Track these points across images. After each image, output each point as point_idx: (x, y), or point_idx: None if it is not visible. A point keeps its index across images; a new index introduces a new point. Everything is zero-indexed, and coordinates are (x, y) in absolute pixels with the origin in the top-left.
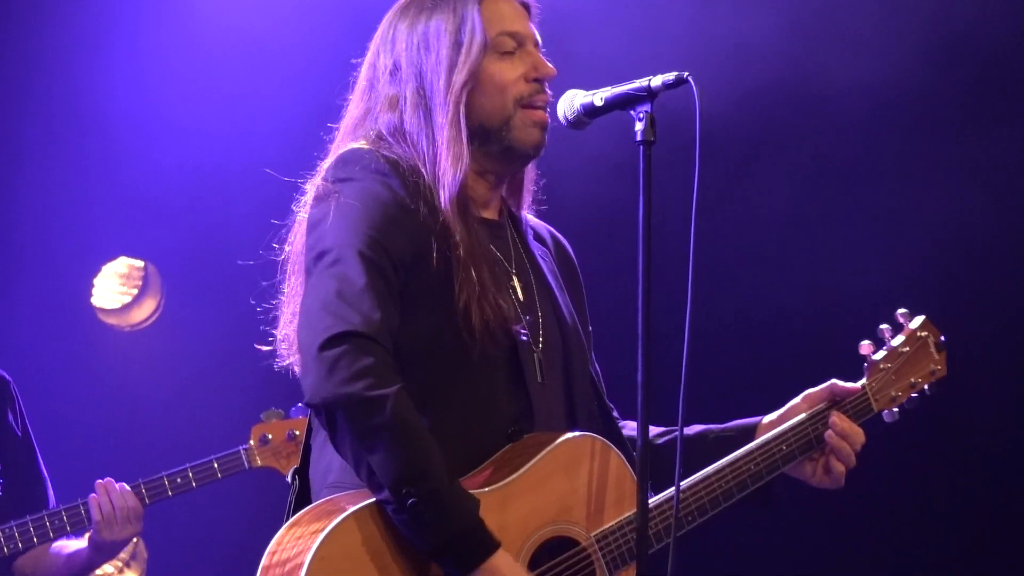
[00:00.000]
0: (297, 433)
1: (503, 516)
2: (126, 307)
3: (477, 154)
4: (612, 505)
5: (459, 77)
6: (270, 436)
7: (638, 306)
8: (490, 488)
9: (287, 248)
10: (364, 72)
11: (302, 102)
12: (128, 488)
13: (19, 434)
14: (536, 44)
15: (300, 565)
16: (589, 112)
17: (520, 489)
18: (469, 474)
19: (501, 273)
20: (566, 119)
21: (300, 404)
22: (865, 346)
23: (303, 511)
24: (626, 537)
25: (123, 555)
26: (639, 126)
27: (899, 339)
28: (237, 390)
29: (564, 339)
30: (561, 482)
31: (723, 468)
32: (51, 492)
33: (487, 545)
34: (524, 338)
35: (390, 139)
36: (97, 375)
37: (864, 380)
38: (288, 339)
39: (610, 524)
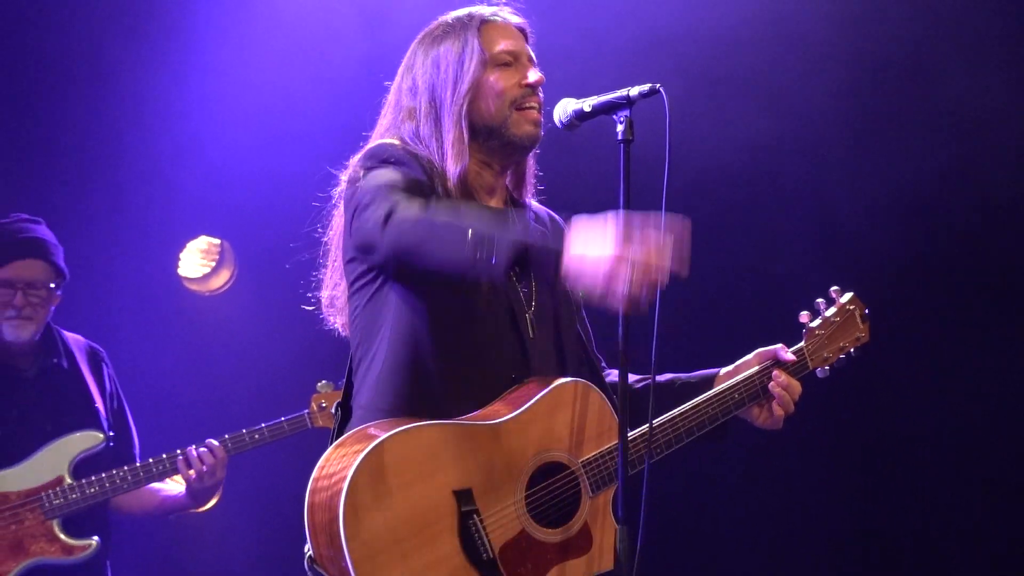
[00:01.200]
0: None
1: (508, 444)
2: (206, 276)
3: (482, 149)
4: (594, 438)
5: (462, 88)
6: (324, 403)
7: None
8: (496, 421)
9: (330, 231)
10: (392, 91)
11: (345, 110)
12: (216, 442)
13: (115, 394)
14: (530, 59)
15: (344, 477)
16: (580, 117)
17: (521, 423)
18: (480, 409)
19: None
20: (561, 123)
21: None
22: (804, 315)
23: (345, 435)
24: (606, 463)
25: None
26: (620, 128)
27: (831, 311)
28: (296, 348)
29: (554, 303)
30: (553, 418)
31: (687, 410)
32: (137, 445)
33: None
34: (516, 306)
35: (410, 143)
36: (182, 338)
37: (802, 343)
38: (331, 300)
39: (593, 453)
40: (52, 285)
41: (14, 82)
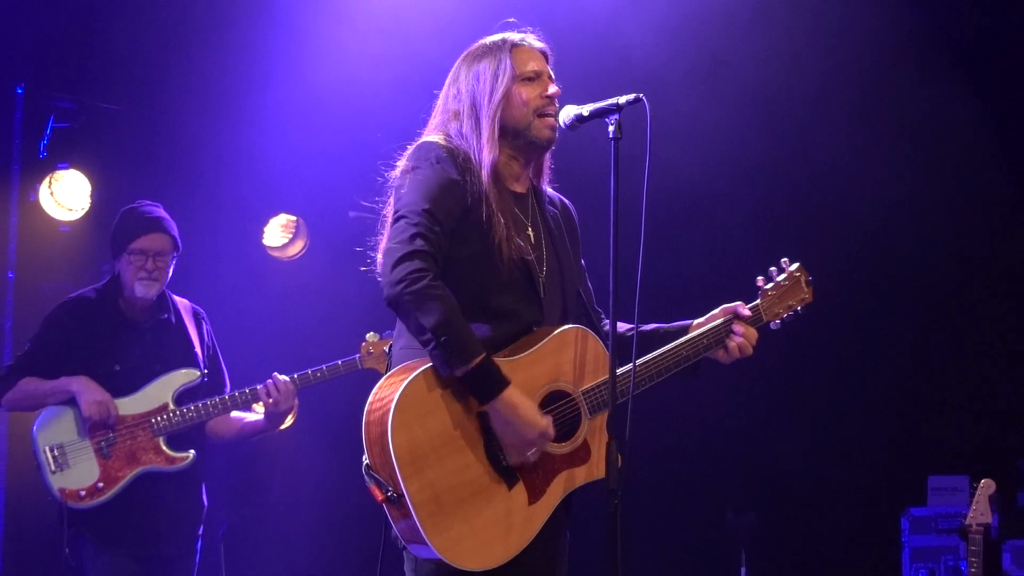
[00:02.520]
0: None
1: (523, 375)
2: (284, 246)
3: (511, 146)
4: (591, 372)
5: (496, 97)
6: (372, 350)
7: (610, 250)
8: (515, 357)
9: (387, 207)
10: (440, 97)
11: (394, 114)
12: (287, 378)
13: (211, 345)
14: (549, 76)
15: (392, 399)
16: (579, 120)
17: (531, 361)
18: (500, 353)
19: (519, 224)
20: (565, 124)
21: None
22: (760, 280)
23: (393, 370)
24: (601, 392)
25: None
26: (611, 128)
27: (782, 276)
28: (350, 304)
29: (560, 268)
30: (558, 356)
31: (666, 351)
32: (228, 383)
33: (499, 381)
34: (534, 269)
35: (454, 138)
36: (265, 295)
37: (758, 301)
38: (377, 262)
39: (590, 384)
40: (173, 254)
41: (134, 95)
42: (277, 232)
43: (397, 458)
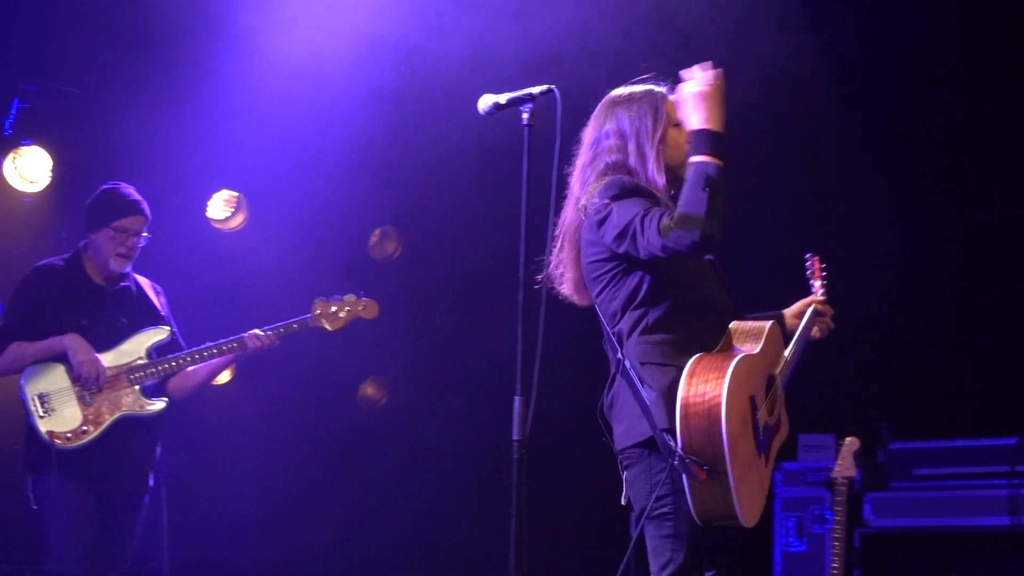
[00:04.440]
0: (334, 309)
1: (760, 367)
2: (227, 218)
3: (671, 181)
4: (780, 358)
5: (658, 135)
6: (319, 311)
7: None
8: (754, 352)
9: (561, 227)
10: (590, 136)
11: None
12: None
13: (168, 315)
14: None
15: (720, 397)
16: (497, 107)
17: (760, 353)
18: (719, 344)
19: None
20: (484, 112)
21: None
22: (810, 275)
23: (689, 369)
24: (783, 371)
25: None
26: (526, 116)
27: (818, 281)
28: (293, 270)
29: (720, 272)
30: (767, 349)
31: (799, 341)
32: (183, 343)
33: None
34: (718, 275)
35: (614, 169)
36: (211, 262)
37: (819, 292)
38: (561, 277)
39: (780, 367)
40: (147, 234)
41: (94, 79)
42: (220, 206)
43: (728, 440)
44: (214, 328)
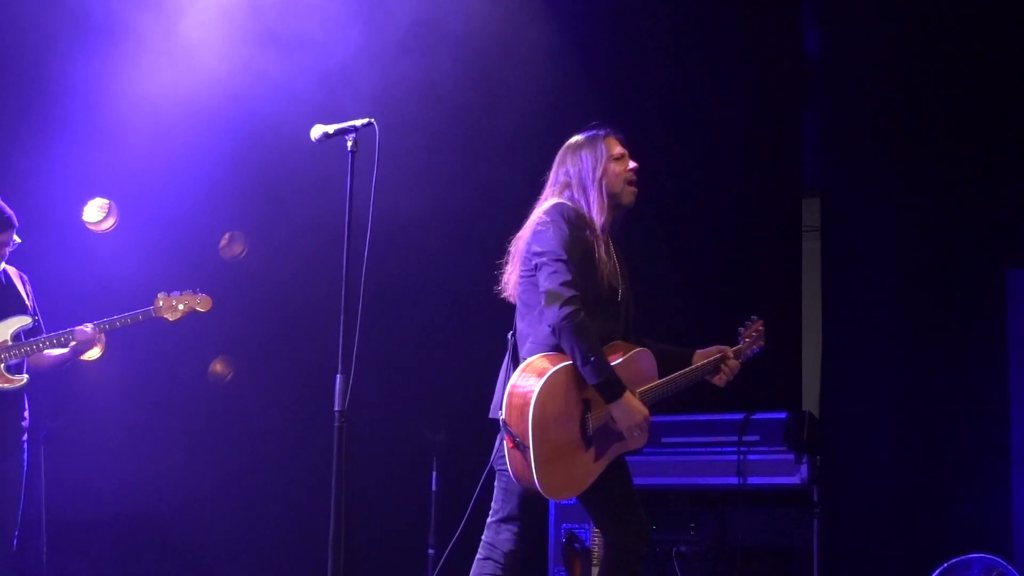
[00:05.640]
0: (174, 302)
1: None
2: (99, 221)
3: (612, 209)
4: (646, 381)
5: (598, 172)
6: (161, 303)
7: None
8: (614, 364)
9: (517, 243)
10: (552, 175)
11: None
12: (91, 325)
13: (33, 303)
14: (629, 155)
15: (534, 387)
16: (326, 136)
17: (621, 368)
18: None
19: (614, 266)
20: (315, 140)
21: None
22: (741, 329)
23: (526, 364)
24: (646, 396)
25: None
26: (350, 144)
27: (751, 327)
28: (148, 267)
29: (627, 299)
30: (631, 368)
31: (684, 375)
32: (44, 328)
33: (622, 388)
34: (619, 298)
35: (569, 199)
36: (81, 262)
37: (739, 345)
38: (508, 280)
39: (642, 388)
40: (12, 238)
41: None
42: (95, 211)
43: (533, 426)
44: (85, 316)
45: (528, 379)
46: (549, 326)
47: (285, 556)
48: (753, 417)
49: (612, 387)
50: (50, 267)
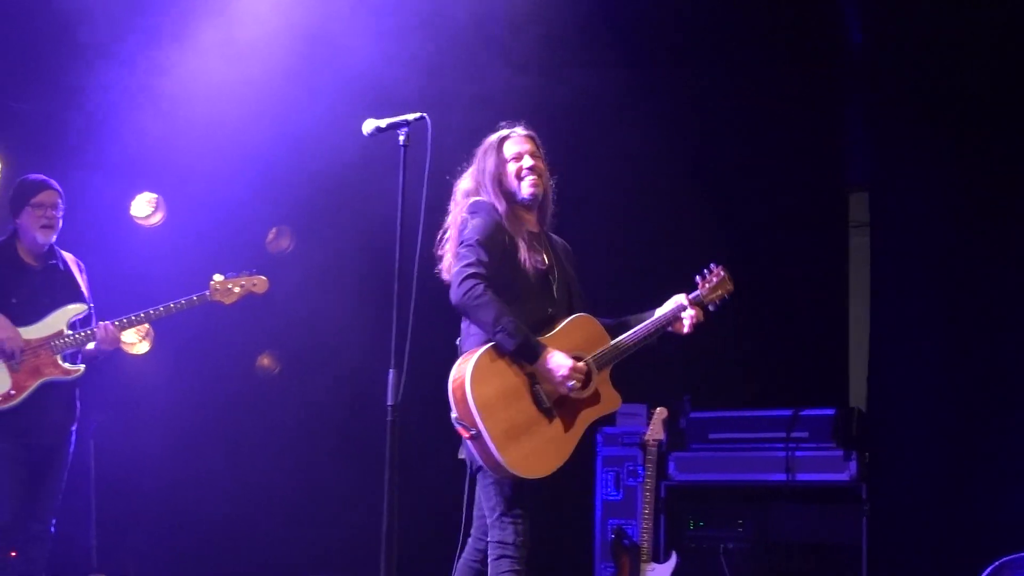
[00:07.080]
0: (229, 285)
1: (553, 346)
2: (148, 216)
3: (515, 203)
4: (596, 343)
5: (496, 174)
6: (217, 287)
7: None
8: (546, 336)
9: (449, 228)
10: (466, 177)
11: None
12: (109, 323)
13: (90, 290)
14: (531, 153)
15: (467, 369)
16: (379, 130)
17: (558, 336)
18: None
19: (535, 248)
20: (368, 134)
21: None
22: (697, 277)
23: (463, 355)
24: (604, 355)
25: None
26: (402, 138)
27: (711, 274)
28: (203, 257)
29: (565, 278)
30: (574, 334)
31: (642, 327)
32: (95, 319)
33: (540, 346)
34: (549, 278)
35: (485, 195)
36: (127, 255)
37: (697, 292)
38: (446, 267)
39: (597, 351)
40: (62, 206)
41: (39, 96)
42: (143, 205)
43: (476, 407)
44: (132, 310)
45: (459, 368)
46: (455, 306)
47: (337, 550)
48: (801, 413)
49: (530, 349)
50: (98, 260)
